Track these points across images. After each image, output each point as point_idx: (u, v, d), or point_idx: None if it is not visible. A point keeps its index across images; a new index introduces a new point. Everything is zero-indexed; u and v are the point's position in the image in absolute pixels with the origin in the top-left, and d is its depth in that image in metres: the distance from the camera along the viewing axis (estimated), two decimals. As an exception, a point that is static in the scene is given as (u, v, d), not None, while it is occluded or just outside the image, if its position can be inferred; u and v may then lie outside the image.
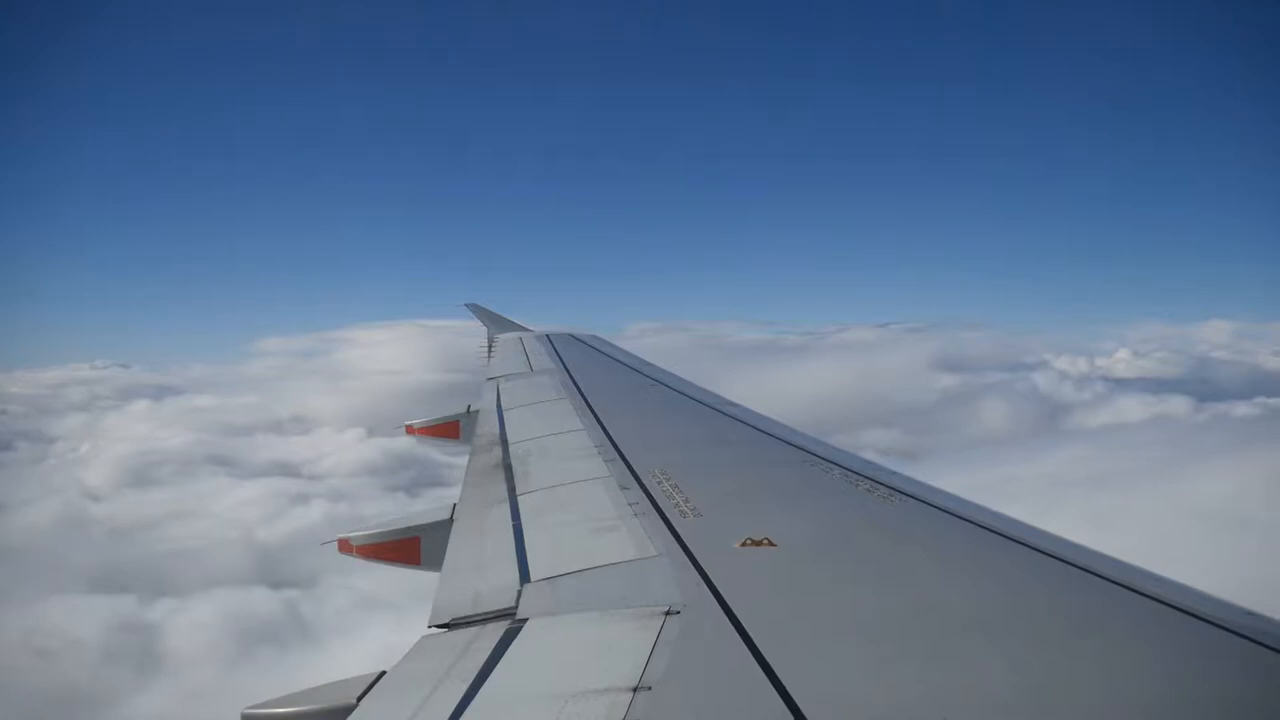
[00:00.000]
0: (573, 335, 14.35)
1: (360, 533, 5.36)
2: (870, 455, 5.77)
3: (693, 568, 3.39)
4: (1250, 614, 2.78)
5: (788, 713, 2.23)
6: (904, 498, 4.32)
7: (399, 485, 58.87)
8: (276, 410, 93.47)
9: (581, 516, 4.34)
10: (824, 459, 5.23)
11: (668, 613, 2.96)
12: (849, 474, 4.83)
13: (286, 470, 66.60)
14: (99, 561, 45.44)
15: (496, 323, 17.03)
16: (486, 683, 2.65)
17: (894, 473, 4.90)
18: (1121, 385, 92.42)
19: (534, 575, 3.62)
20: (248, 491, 59.01)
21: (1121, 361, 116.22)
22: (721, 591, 3.11)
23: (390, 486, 59.07)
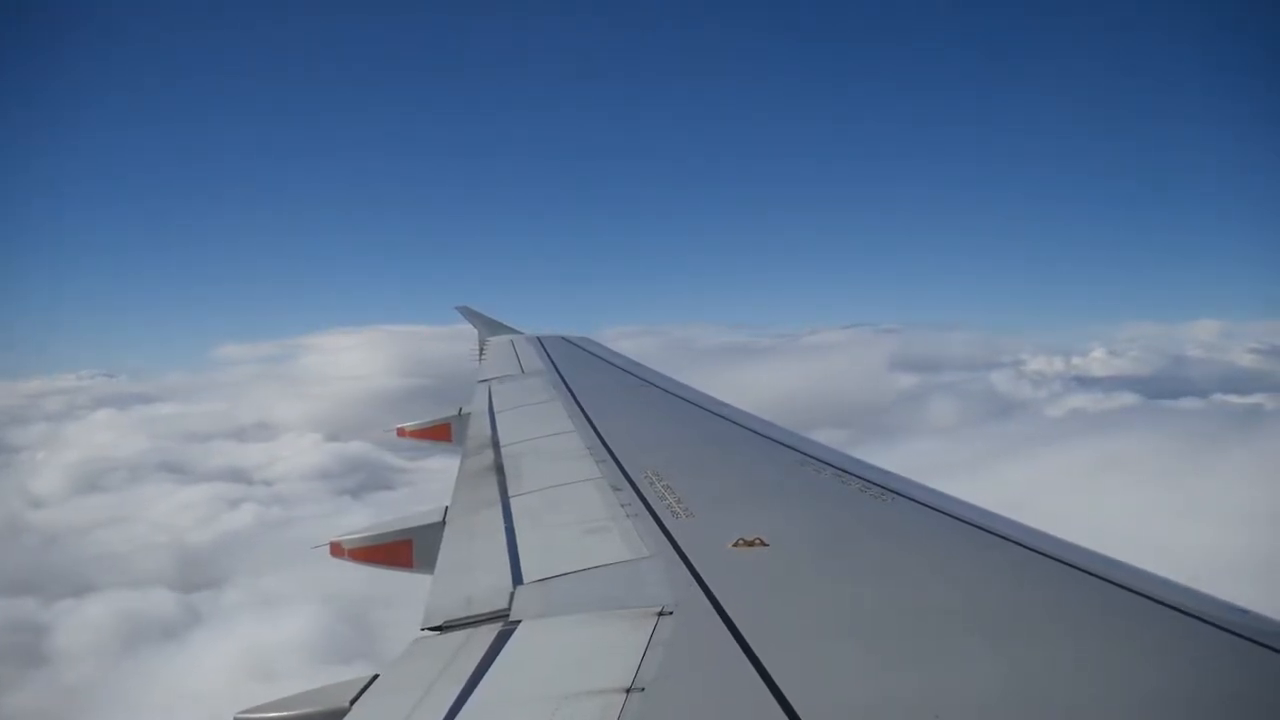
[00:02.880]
0: (564, 338, 14.34)
1: (352, 536, 5.34)
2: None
3: (685, 568, 3.39)
4: (1241, 610, 2.79)
5: (781, 712, 2.23)
6: (895, 497, 4.33)
7: (347, 489, 59.57)
8: (240, 417, 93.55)
9: (574, 518, 4.34)
10: (816, 459, 5.23)
11: (660, 613, 2.96)
12: (841, 473, 4.83)
13: (237, 476, 66.96)
14: (21, 566, 46.08)
15: (488, 325, 16.99)
16: (480, 685, 2.64)
17: (886, 472, 4.91)
18: (1086, 383, 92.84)
19: (527, 577, 3.61)
20: (188, 496, 59.61)
21: (1097, 360, 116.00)
22: (714, 592, 3.11)
23: (338, 490, 59.73)
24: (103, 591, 41.20)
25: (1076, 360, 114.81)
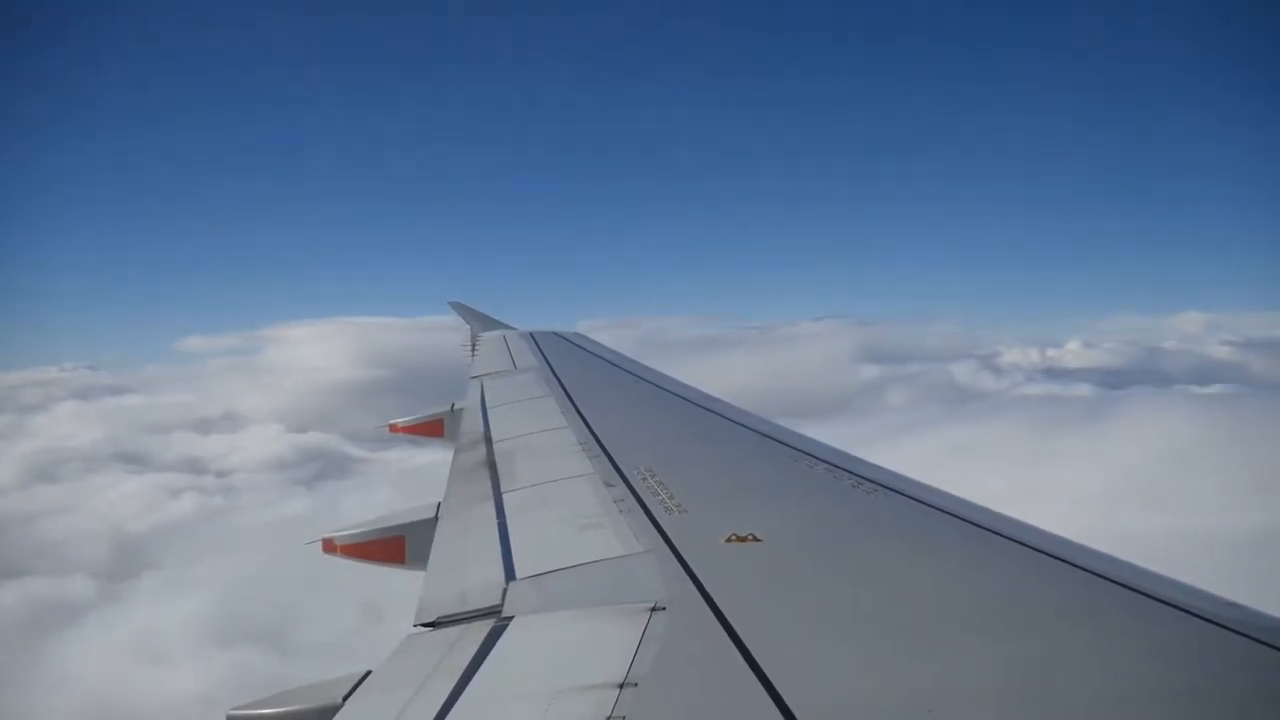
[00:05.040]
0: (557, 333, 14.35)
1: (344, 532, 5.33)
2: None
3: (678, 564, 3.40)
4: (1233, 605, 2.81)
5: (774, 707, 2.24)
6: (888, 492, 4.34)
7: (301, 480, 60.19)
8: (205, 408, 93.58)
9: (567, 514, 4.34)
10: (809, 454, 5.24)
11: (653, 609, 2.96)
12: (833, 469, 4.84)
13: (193, 467, 67.30)
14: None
15: (481, 321, 16.97)
16: (472, 681, 2.64)
17: (879, 467, 4.92)
18: (1054, 376, 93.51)
19: (519, 573, 3.61)
20: (134, 486, 59.97)
21: (1071, 352, 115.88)
22: (707, 587, 3.11)
23: (293, 481, 60.31)
24: (23, 578, 41.55)
25: (1052, 352, 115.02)
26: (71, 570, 42.44)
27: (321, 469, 62.22)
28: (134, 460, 68.86)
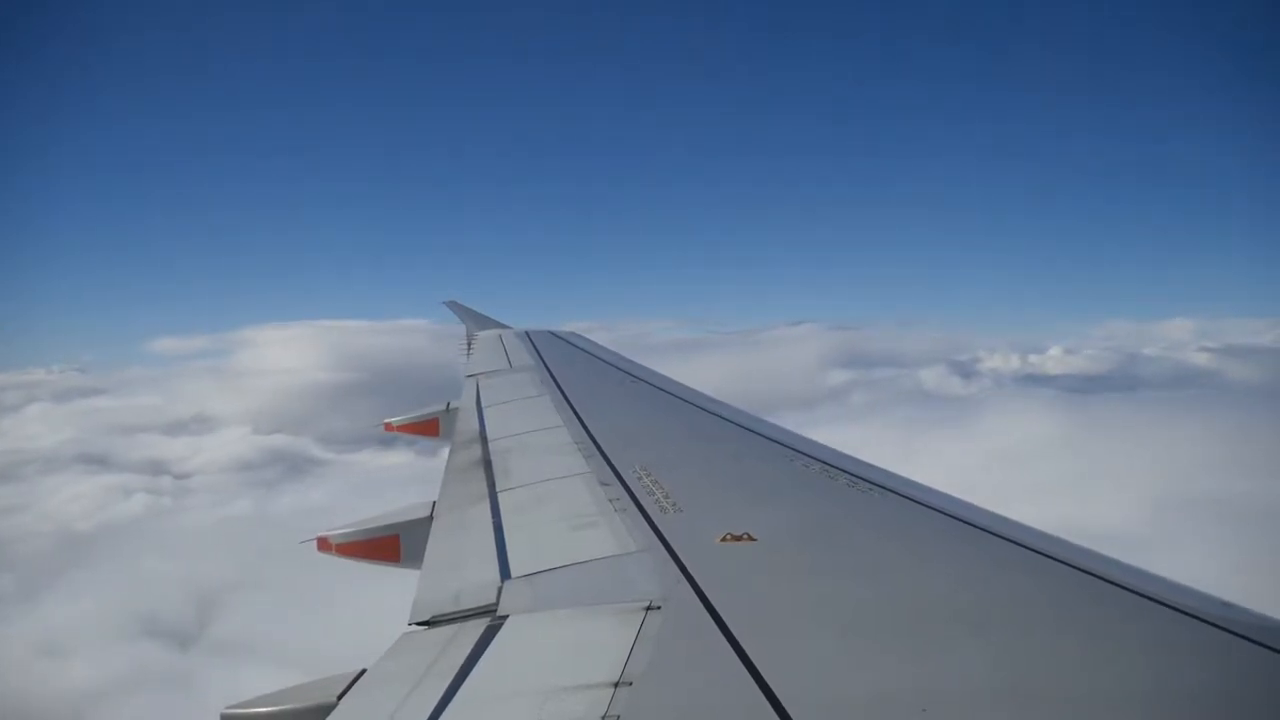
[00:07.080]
0: (553, 333, 14.36)
1: (339, 531, 5.33)
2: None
3: (673, 563, 3.40)
4: (1227, 605, 2.81)
5: (769, 706, 2.24)
6: (885, 492, 4.34)
7: (264, 481, 60.76)
8: (174, 410, 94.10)
9: (562, 513, 4.34)
10: (805, 454, 5.25)
11: (648, 608, 2.96)
12: (829, 469, 4.84)
13: (155, 468, 67.67)
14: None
15: (476, 320, 16.99)
16: (467, 680, 2.64)
17: (875, 467, 4.93)
18: (1027, 381, 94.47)
19: (514, 572, 3.61)
20: (87, 487, 60.30)
21: (1052, 359, 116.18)
22: (702, 586, 3.11)
23: (254, 483, 60.85)
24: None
25: (1033, 358, 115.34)
26: (2, 568, 42.55)
27: (284, 471, 62.96)
28: (95, 461, 69.19)
